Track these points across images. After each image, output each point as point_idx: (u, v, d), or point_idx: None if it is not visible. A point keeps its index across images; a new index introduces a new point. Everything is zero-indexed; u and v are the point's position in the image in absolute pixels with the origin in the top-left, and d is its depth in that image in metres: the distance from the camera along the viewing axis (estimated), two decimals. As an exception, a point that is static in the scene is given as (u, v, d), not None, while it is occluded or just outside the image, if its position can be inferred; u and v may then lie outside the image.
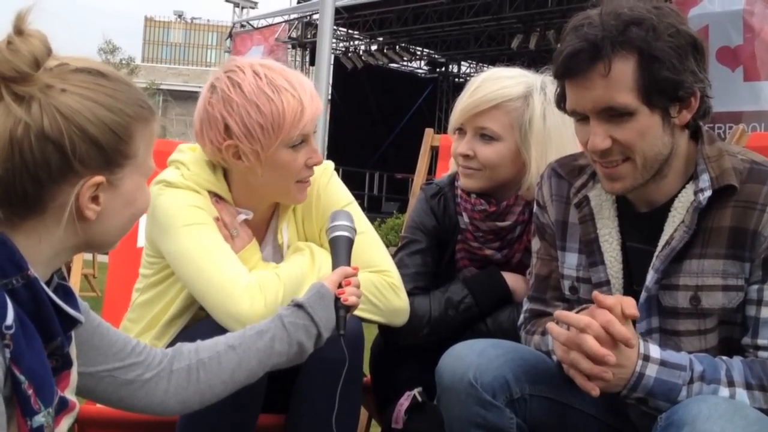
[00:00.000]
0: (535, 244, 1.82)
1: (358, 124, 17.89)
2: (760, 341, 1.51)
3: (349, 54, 17.70)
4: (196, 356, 1.42)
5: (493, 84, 2.03)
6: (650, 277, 1.56)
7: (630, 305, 1.44)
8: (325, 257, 1.86)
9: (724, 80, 8.31)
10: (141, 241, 2.22)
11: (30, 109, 1.07)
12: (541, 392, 1.58)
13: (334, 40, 15.54)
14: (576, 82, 1.51)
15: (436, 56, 19.50)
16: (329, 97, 15.45)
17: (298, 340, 1.49)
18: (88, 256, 7.31)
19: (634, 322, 1.50)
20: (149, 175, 1.23)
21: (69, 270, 2.29)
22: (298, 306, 1.52)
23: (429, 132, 2.92)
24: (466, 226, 2.11)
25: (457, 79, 19.93)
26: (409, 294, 2.01)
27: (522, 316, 1.83)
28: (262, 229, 1.97)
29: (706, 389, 1.45)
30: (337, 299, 1.57)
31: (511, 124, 2.02)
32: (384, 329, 2.06)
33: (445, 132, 2.57)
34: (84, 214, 1.13)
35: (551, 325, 1.48)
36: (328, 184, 1.98)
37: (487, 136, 2.03)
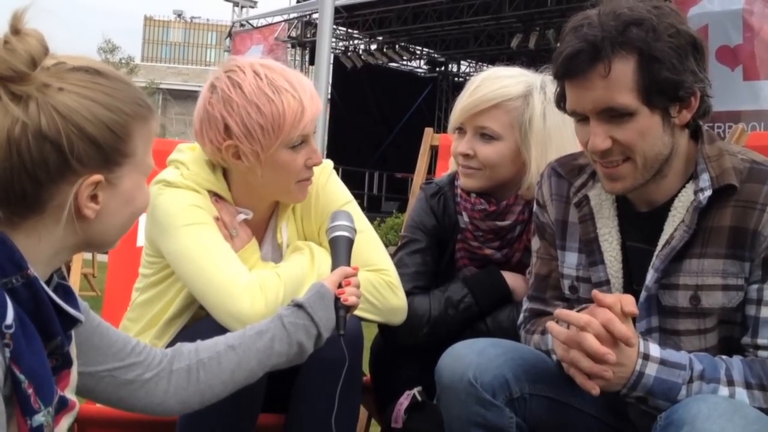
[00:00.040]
0: (535, 243, 1.82)
1: (358, 123, 17.89)
2: (760, 341, 1.51)
3: (349, 53, 17.69)
4: (196, 356, 1.42)
5: (493, 83, 2.03)
6: (650, 276, 1.56)
7: (629, 303, 1.44)
8: (324, 256, 1.86)
9: (723, 79, 8.31)
10: (140, 241, 2.22)
11: (27, 109, 1.06)
12: (541, 391, 1.58)
13: (333, 40, 15.51)
14: (576, 83, 1.51)
15: (436, 55, 19.50)
16: (329, 97, 15.44)
17: (298, 341, 1.49)
18: (88, 255, 7.32)
19: (634, 321, 1.51)
20: (148, 173, 1.23)
21: (69, 269, 2.29)
22: (298, 306, 1.52)
23: (429, 131, 2.92)
24: (465, 225, 2.11)
25: (456, 79, 19.93)
26: (409, 293, 2.02)
27: (522, 316, 1.83)
28: (262, 228, 1.97)
29: (705, 388, 1.45)
30: (337, 299, 1.57)
31: (511, 124, 2.02)
32: (384, 329, 2.06)
33: (444, 131, 2.57)
34: (83, 213, 1.13)
35: (551, 324, 1.48)
36: (327, 183, 1.98)
37: (487, 136, 2.03)
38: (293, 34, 18.05)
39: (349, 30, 17.62)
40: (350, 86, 17.65)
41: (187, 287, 1.82)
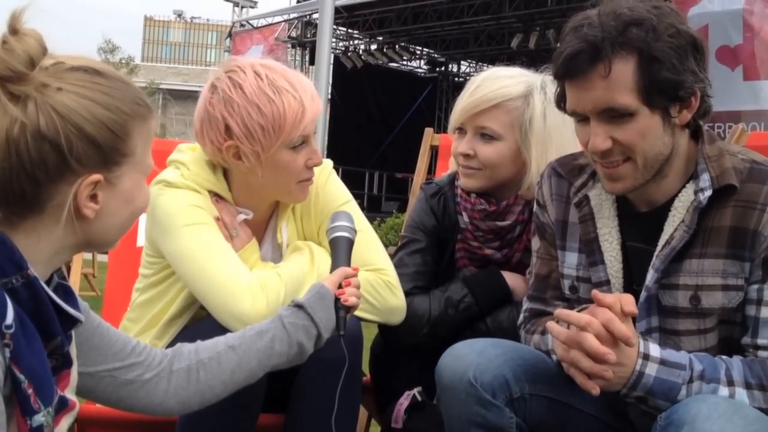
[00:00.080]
0: (535, 243, 1.82)
1: (358, 123, 17.89)
2: (760, 341, 1.51)
3: (349, 53, 17.69)
4: (196, 356, 1.42)
5: (493, 83, 2.03)
6: (650, 276, 1.56)
7: (629, 302, 1.44)
8: (324, 256, 1.87)
9: (723, 79, 8.31)
10: (141, 241, 2.22)
11: (26, 109, 1.06)
12: (541, 391, 1.58)
13: (333, 40, 15.51)
14: (576, 83, 1.51)
15: (436, 56, 19.49)
16: (329, 97, 15.45)
17: (298, 341, 1.49)
18: (88, 255, 7.32)
19: (634, 321, 1.51)
20: (148, 173, 1.23)
21: (69, 269, 2.29)
22: (298, 306, 1.52)
23: (429, 131, 2.92)
24: (465, 225, 2.11)
25: (456, 79, 19.93)
26: (409, 293, 2.02)
27: (522, 316, 1.83)
28: (262, 228, 1.97)
29: (705, 388, 1.45)
30: (337, 300, 1.57)
31: (511, 124, 2.02)
32: (384, 329, 2.06)
33: (444, 131, 2.57)
34: (82, 212, 1.13)
35: (551, 324, 1.48)
36: (327, 183, 1.98)
37: (487, 136, 2.03)
38: (293, 34, 18.05)
39: (350, 30, 17.62)
40: (350, 86, 17.65)
41: (188, 287, 1.82)
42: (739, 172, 1.52)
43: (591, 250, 1.66)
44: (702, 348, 1.55)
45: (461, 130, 2.09)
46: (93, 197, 1.13)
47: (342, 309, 1.57)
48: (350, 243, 1.71)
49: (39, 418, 1.05)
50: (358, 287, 1.62)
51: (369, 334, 1.89)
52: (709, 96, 1.53)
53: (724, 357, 1.51)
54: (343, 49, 17.92)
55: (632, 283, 1.62)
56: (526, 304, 1.82)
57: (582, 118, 1.55)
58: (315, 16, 14.94)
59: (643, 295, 1.57)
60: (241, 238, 1.87)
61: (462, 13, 15.24)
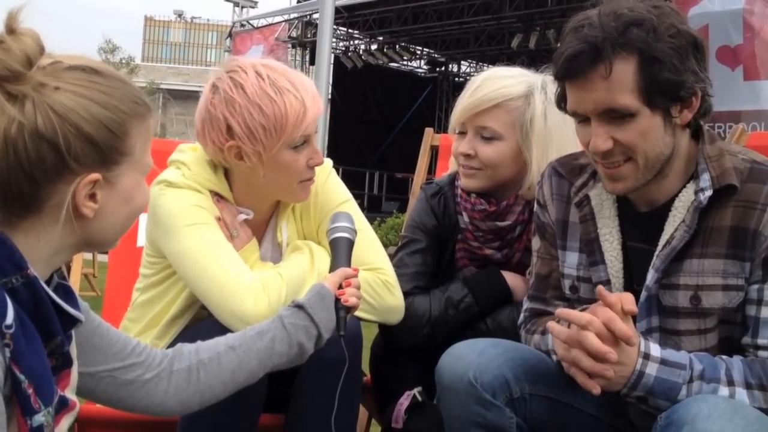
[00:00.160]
0: (536, 243, 1.82)
1: (358, 123, 17.89)
2: (760, 341, 1.51)
3: (349, 53, 17.70)
4: (196, 357, 1.42)
5: (494, 83, 2.03)
6: (650, 276, 1.56)
7: (629, 301, 1.44)
8: (323, 256, 1.87)
9: (723, 79, 8.31)
10: (141, 241, 2.22)
11: (23, 108, 1.06)
12: (541, 391, 1.58)
13: (334, 40, 15.53)
14: (577, 84, 1.51)
15: (436, 56, 19.50)
16: (329, 97, 15.45)
17: (298, 341, 1.49)
18: (88, 255, 7.32)
19: (634, 321, 1.51)
20: (147, 172, 1.22)
21: (69, 269, 2.29)
22: (299, 307, 1.52)
23: (429, 131, 2.92)
24: (466, 225, 2.11)
25: (457, 79, 19.93)
26: (410, 293, 2.02)
27: (522, 316, 1.83)
28: (262, 227, 1.97)
29: (705, 388, 1.45)
30: (337, 300, 1.57)
31: (512, 123, 2.02)
32: (384, 329, 2.07)
33: (444, 131, 2.57)
34: (81, 212, 1.13)
35: (552, 324, 1.48)
36: (326, 182, 1.98)
37: (488, 136, 2.03)
38: (294, 34, 18.06)
39: (350, 30, 17.62)
40: (350, 86, 17.66)
41: (190, 287, 1.82)
42: (739, 172, 1.52)
43: (591, 249, 1.66)
44: (702, 348, 1.55)
45: (462, 130, 2.09)
46: (92, 196, 1.13)
47: (342, 309, 1.57)
48: (350, 243, 1.71)
49: (39, 418, 1.05)
50: (358, 287, 1.62)
51: (369, 334, 1.89)
52: (710, 96, 1.53)
53: (724, 357, 1.51)
54: (343, 49, 17.93)
55: (632, 283, 1.62)
56: (526, 304, 1.82)
57: (583, 119, 1.55)
58: (315, 16, 14.94)
59: (643, 294, 1.57)
60: (241, 238, 1.87)
61: (462, 13, 15.24)
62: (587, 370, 1.41)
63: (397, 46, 17.68)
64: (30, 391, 1.04)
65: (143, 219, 1.94)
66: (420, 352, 2.02)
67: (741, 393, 1.45)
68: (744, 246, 1.50)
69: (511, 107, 2.01)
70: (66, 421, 1.16)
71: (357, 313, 1.77)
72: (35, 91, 1.07)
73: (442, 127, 13.88)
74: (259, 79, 1.76)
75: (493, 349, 1.57)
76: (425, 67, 20.31)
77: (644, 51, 1.44)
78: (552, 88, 1.91)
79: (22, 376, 1.03)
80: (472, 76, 2.21)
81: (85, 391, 1.31)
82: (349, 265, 1.66)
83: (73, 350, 1.20)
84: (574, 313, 1.44)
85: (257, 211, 1.92)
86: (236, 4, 19.58)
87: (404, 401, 1.99)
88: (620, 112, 1.48)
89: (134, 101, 1.17)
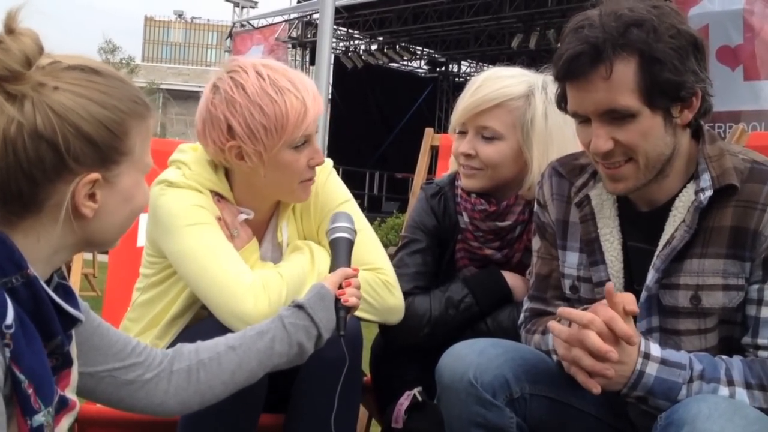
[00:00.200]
0: (536, 243, 1.82)
1: (358, 123, 17.89)
2: (760, 341, 1.51)
3: (349, 53, 17.70)
4: (196, 357, 1.42)
5: (494, 83, 2.03)
6: (651, 276, 1.56)
7: (630, 301, 1.44)
8: (323, 256, 1.87)
9: (724, 79, 8.31)
10: (141, 241, 2.22)
11: (23, 108, 1.06)
12: (541, 391, 1.58)
13: (334, 40, 15.53)
14: (577, 85, 1.50)
15: (436, 56, 19.50)
16: (329, 97, 15.45)
17: (298, 341, 1.49)
18: (88, 255, 7.31)
19: (635, 321, 1.51)
20: (147, 171, 1.22)
21: (69, 269, 2.29)
22: (299, 307, 1.52)
23: (429, 131, 2.92)
24: (466, 225, 2.10)
25: (457, 79, 19.93)
26: (410, 293, 2.02)
27: (522, 316, 1.83)
28: (262, 227, 1.97)
29: (705, 388, 1.45)
30: (337, 300, 1.57)
31: (513, 123, 2.02)
32: (384, 329, 2.06)
33: (445, 131, 2.57)
34: (81, 211, 1.12)
35: (553, 323, 1.48)
36: (326, 182, 1.98)
37: (489, 135, 2.03)
38: (294, 34, 18.06)
39: (350, 30, 17.62)
40: (351, 86, 17.66)
41: (190, 287, 1.82)
42: (739, 172, 1.52)
43: (592, 249, 1.66)
44: (702, 348, 1.55)
45: (462, 130, 2.08)
46: (91, 196, 1.13)
47: (342, 309, 1.57)
48: (350, 244, 1.71)
49: (39, 418, 1.05)
50: (358, 287, 1.62)
51: (369, 334, 1.89)
52: (710, 95, 1.53)
53: (724, 357, 1.51)
54: (343, 49, 17.93)
55: (633, 283, 1.62)
56: (526, 304, 1.82)
57: (583, 119, 1.55)
58: (315, 16, 14.95)
59: (643, 294, 1.57)
60: (242, 238, 1.87)
61: (462, 13, 15.24)
62: (588, 369, 1.41)
63: (397, 46, 17.68)
64: (30, 391, 1.04)
65: (143, 219, 1.94)
66: (420, 352, 2.02)
67: (741, 393, 1.45)
68: (744, 246, 1.50)
69: (512, 107, 2.01)
70: (66, 421, 1.16)
71: (357, 313, 1.77)
72: (34, 91, 1.07)
73: (442, 127, 13.88)
74: (260, 79, 1.76)
75: (494, 349, 1.57)
76: (425, 67, 20.31)
77: (645, 52, 1.44)
78: (552, 88, 1.90)
79: (22, 376, 1.03)
80: (472, 76, 2.21)
81: (86, 392, 1.31)
82: (349, 265, 1.66)
83: (73, 350, 1.20)
84: (576, 312, 1.44)
85: (258, 211, 1.92)
86: (236, 5, 19.58)
87: (404, 401, 1.99)
88: (621, 113, 1.48)
89: (133, 101, 1.17)
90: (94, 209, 1.14)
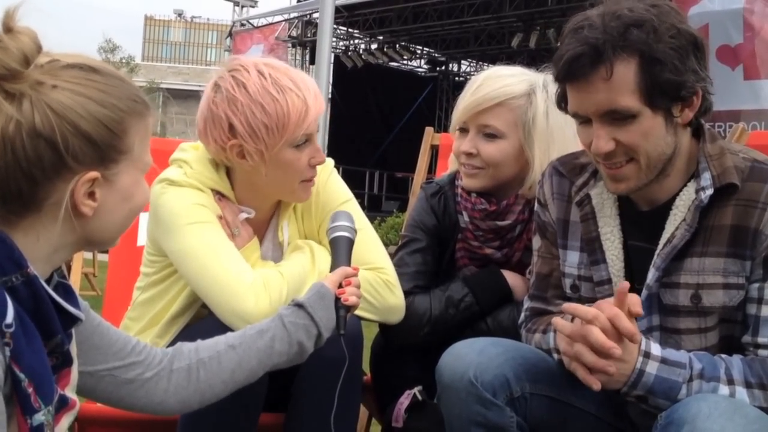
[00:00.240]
0: (536, 242, 1.82)
1: (358, 122, 17.89)
2: (761, 339, 1.51)
3: (349, 53, 17.69)
4: (196, 356, 1.42)
5: (495, 82, 2.03)
6: (651, 275, 1.56)
7: (635, 302, 1.44)
8: (324, 255, 1.87)
9: (724, 79, 8.30)
10: (141, 240, 2.22)
11: (21, 107, 1.06)
12: (542, 391, 1.58)
13: (334, 39, 15.54)
14: (578, 86, 1.50)
15: (436, 55, 19.49)
16: (329, 96, 15.45)
17: (298, 340, 1.49)
18: (89, 254, 7.31)
19: (636, 320, 1.50)
20: (146, 170, 1.22)
21: (69, 269, 2.29)
22: (299, 306, 1.52)
23: (429, 131, 2.92)
24: (466, 225, 2.10)
25: (457, 78, 19.93)
26: (410, 293, 2.02)
27: (523, 315, 1.83)
28: (263, 226, 1.97)
29: (705, 387, 1.45)
30: (337, 299, 1.57)
31: (514, 122, 2.02)
32: (384, 328, 2.06)
33: (445, 131, 2.57)
34: (80, 210, 1.12)
35: (556, 319, 1.48)
36: (328, 181, 1.98)
37: (490, 134, 2.03)
38: (294, 33, 18.05)
39: (350, 29, 17.62)
40: (351, 86, 17.65)
41: (191, 286, 1.82)
42: (740, 170, 1.52)
43: (592, 248, 1.66)
44: (703, 347, 1.55)
45: (463, 129, 2.08)
46: (90, 195, 1.13)
47: (342, 308, 1.57)
48: (350, 243, 1.71)
49: (39, 417, 1.05)
50: (358, 287, 1.62)
51: (369, 334, 1.89)
52: (711, 94, 1.53)
53: (723, 356, 1.51)
54: (343, 48, 17.93)
55: (633, 282, 1.62)
56: (527, 303, 1.82)
57: (584, 120, 1.54)
58: (315, 15, 14.94)
59: (644, 293, 1.57)
60: (243, 237, 1.87)
61: (462, 12, 15.24)
62: (589, 365, 1.41)
63: (397, 46, 17.67)
64: (30, 390, 1.04)
65: (143, 218, 1.93)
66: (420, 352, 2.02)
67: (741, 392, 1.45)
68: (745, 245, 1.50)
69: (514, 105, 2.01)
70: (66, 420, 1.16)
71: (357, 312, 1.77)
72: (33, 90, 1.07)
73: (442, 127, 13.89)
74: (262, 78, 1.76)
75: (494, 349, 1.57)
76: (425, 66, 20.30)
77: (645, 52, 1.44)
78: (553, 87, 1.90)
79: (22, 375, 1.03)
80: (473, 75, 2.21)
81: (86, 391, 1.31)
82: (349, 264, 1.66)
83: (73, 349, 1.19)
84: (580, 308, 1.44)
85: (259, 210, 1.92)
86: (236, 4, 19.58)
87: (404, 400, 1.99)
88: (622, 114, 1.48)
89: (132, 99, 1.17)
90: (94, 208, 1.14)
